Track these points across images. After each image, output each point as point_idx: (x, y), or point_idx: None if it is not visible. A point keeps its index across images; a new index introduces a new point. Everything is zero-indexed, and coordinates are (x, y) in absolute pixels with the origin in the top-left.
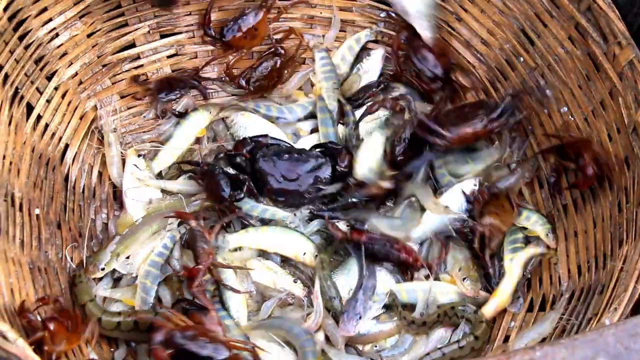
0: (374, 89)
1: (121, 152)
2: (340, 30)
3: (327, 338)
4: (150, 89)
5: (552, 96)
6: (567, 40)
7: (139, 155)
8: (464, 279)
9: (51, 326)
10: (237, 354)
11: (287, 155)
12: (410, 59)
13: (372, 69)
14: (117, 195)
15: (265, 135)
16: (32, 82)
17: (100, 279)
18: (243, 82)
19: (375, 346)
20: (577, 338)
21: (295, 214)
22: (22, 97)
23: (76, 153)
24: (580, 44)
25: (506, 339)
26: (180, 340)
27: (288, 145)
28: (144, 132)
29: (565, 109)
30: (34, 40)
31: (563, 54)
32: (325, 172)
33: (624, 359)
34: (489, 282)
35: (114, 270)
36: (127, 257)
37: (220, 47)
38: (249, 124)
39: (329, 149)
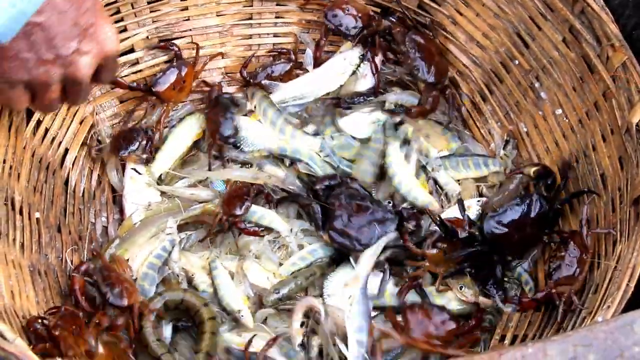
0: (370, 96)
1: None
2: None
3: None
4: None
5: (547, 98)
6: (561, 42)
7: (137, 160)
8: (460, 287)
9: (57, 333)
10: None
11: (359, 201)
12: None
13: (369, 72)
14: (116, 199)
15: (354, 179)
16: None
17: None
18: (244, 74)
19: None
20: (569, 334)
21: (292, 229)
22: None
23: (76, 157)
24: (574, 46)
25: (502, 338)
26: (97, 275)
27: (366, 192)
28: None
29: (560, 110)
30: None
31: (557, 57)
32: (389, 229)
33: (615, 354)
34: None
35: None
36: (127, 260)
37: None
38: (254, 127)
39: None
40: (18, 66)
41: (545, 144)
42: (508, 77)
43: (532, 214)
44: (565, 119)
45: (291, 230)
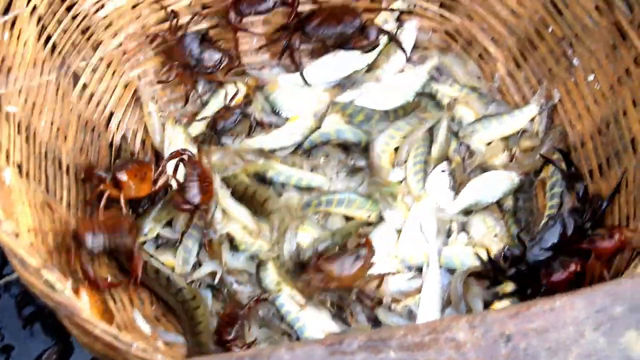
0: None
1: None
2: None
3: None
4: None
5: (580, 65)
6: (594, 10)
7: (175, 122)
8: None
9: (122, 177)
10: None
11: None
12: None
13: (406, 40)
14: (159, 161)
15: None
16: (78, 52)
17: (143, 243)
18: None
19: (406, 305)
20: (596, 288)
21: (331, 178)
22: (68, 66)
23: (120, 120)
24: (606, 13)
25: None
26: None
27: None
28: (185, 102)
29: (592, 77)
30: (80, 11)
31: (590, 24)
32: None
33: None
34: None
35: (157, 236)
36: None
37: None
38: (288, 94)
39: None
40: None
41: (577, 110)
42: (542, 45)
43: (569, 232)
44: (597, 85)
45: (331, 179)
